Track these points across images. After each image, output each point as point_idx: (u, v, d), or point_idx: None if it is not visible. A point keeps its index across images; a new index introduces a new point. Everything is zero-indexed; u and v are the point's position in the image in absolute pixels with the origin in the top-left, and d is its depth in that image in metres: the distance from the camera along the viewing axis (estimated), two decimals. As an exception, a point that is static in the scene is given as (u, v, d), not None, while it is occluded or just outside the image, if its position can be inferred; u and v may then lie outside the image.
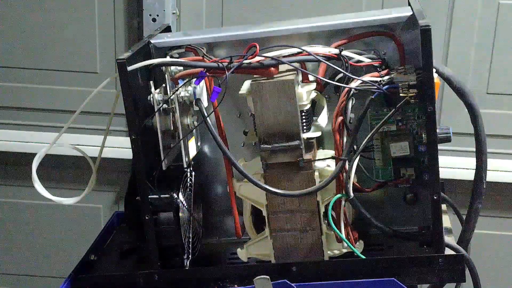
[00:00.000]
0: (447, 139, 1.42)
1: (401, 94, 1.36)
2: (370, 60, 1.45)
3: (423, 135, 1.38)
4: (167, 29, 1.66)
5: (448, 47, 2.08)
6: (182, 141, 1.44)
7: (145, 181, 1.40)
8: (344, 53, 1.43)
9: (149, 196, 1.42)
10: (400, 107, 1.37)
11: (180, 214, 1.46)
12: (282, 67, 1.43)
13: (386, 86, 1.38)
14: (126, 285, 1.45)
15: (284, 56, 1.41)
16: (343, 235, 1.43)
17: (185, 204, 1.49)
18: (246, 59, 1.38)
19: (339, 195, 1.42)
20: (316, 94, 1.47)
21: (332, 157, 1.43)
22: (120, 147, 2.16)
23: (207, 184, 1.64)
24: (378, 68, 1.44)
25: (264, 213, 1.47)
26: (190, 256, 1.49)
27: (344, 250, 1.47)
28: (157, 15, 2.08)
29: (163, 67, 1.44)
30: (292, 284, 1.36)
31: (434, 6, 2.05)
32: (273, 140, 1.41)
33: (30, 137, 2.24)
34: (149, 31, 1.97)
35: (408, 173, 1.48)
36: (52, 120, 2.22)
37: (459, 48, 2.08)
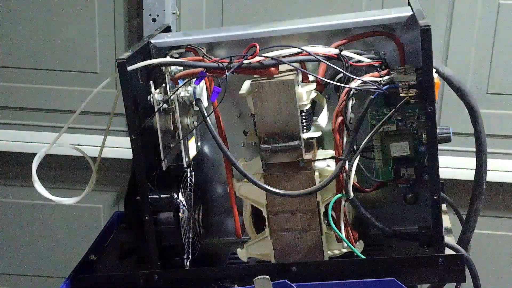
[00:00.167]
0: (447, 139, 1.42)
1: (401, 94, 1.36)
2: (370, 60, 1.45)
3: (423, 135, 1.38)
4: (167, 29, 1.66)
5: (448, 47, 2.08)
6: (182, 141, 1.44)
7: (145, 181, 1.40)
8: (344, 53, 1.43)
9: (149, 196, 1.42)
10: (400, 107, 1.37)
11: (180, 214, 1.46)
12: (282, 67, 1.43)
13: (386, 86, 1.38)
14: (126, 285, 1.45)
15: (284, 56, 1.41)
16: (343, 235, 1.43)
17: (185, 204, 1.49)
18: (246, 59, 1.38)
19: (339, 195, 1.42)
20: (316, 94, 1.47)
21: (332, 157, 1.43)
22: (120, 147, 2.16)
23: (207, 184, 1.64)
24: (378, 68, 1.44)
25: (264, 213, 1.47)
26: (190, 256, 1.49)
27: (344, 250, 1.47)
28: (157, 15, 2.08)
29: (163, 67, 1.44)
30: (292, 284, 1.36)
31: (434, 6, 2.05)
32: (273, 140, 1.41)
33: (30, 137, 2.24)
34: (149, 31, 1.97)
35: (408, 173, 1.49)
36: (52, 120, 2.22)
37: (459, 48, 2.08)
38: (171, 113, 1.44)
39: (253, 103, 1.40)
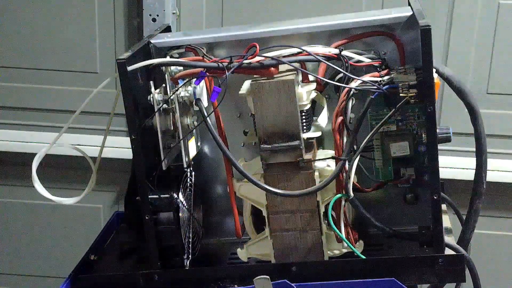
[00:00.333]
0: (447, 139, 1.42)
1: (401, 94, 1.36)
2: (370, 60, 1.45)
3: (423, 135, 1.38)
4: (167, 29, 1.66)
5: (448, 47, 2.08)
6: (182, 141, 1.44)
7: (145, 181, 1.40)
8: (344, 53, 1.43)
9: (149, 196, 1.42)
10: (400, 107, 1.37)
11: (180, 214, 1.46)
12: (282, 67, 1.43)
13: (386, 86, 1.38)
14: (126, 285, 1.45)
15: (284, 56, 1.41)
16: (343, 235, 1.43)
17: (185, 204, 1.49)
18: (246, 59, 1.38)
19: (339, 195, 1.42)
20: (316, 94, 1.47)
21: (332, 157, 1.43)
22: (120, 147, 2.16)
23: (207, 184, 1.64)
24: (378, 68, 1.44)
25: (264, 213, 1.47)
26: (190, 256, 1.49)
27: (344, 250, 1.47)
28: (157, 15, 2.08)
29: (163, 67, 1.44)
30: (292, 284, 1.36)
31: (434, 6, 2.05)
32: (273, 140, 1.41)
33: (30, 137, 2.24)
34: (149, 31, 1.97)
35: (408, 173, 1.49)
36: (52, 120, 2.22)
37: (459, 48, 2.08)
38: (171, 113, 1.44)
39: (253, 103, 1.40)
